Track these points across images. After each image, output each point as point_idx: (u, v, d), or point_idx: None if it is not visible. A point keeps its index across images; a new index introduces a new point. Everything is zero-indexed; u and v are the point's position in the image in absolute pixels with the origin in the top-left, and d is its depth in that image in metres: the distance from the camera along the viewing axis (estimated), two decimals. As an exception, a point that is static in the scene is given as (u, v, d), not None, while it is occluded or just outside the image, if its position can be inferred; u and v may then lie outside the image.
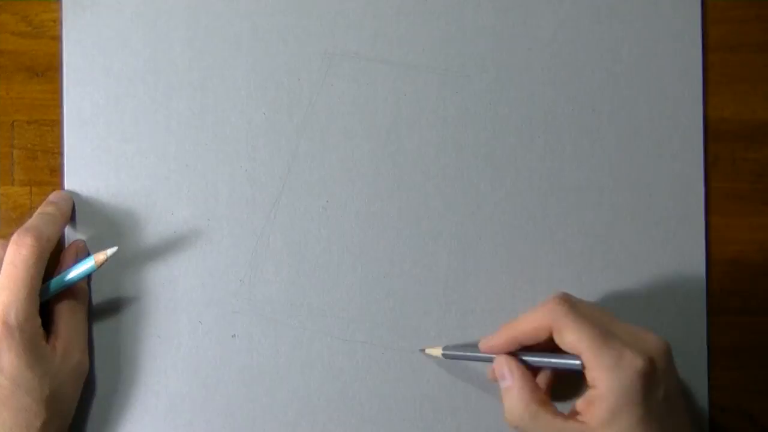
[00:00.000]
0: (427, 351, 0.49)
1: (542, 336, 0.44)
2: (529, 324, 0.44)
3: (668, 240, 0.50)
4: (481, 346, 0.46)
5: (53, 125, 0.50)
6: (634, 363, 0.41)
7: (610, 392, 0.41)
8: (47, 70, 0.50)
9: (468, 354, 0.47)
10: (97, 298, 0.48)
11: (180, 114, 0.49)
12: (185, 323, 0.49)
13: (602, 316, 0.44)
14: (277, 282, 0.49)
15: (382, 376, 0.49)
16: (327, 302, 0.49)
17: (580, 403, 0.43)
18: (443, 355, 0.48)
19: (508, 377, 0.45)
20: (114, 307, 0.48)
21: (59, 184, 0.49)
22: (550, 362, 0.44)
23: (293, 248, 0.49)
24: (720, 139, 0.50)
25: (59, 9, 0.50)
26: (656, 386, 0.42)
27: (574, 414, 0.44)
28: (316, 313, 0.49)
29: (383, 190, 0.49)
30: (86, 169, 0.49)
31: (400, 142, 0.50)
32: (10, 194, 0.49)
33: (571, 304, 0.43)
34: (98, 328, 0.48)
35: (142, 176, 0.49)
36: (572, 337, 0.42)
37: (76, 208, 0.49)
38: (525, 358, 0.45)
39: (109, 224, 0.49)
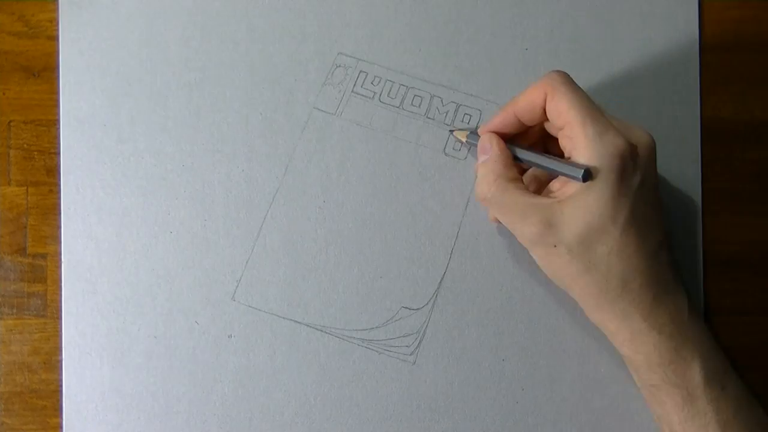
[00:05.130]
0: (456, 133, 0.49)
1: (538, 105, 0.43)
2: (527, 94, 0.44)
3: (665, 240, 0.50)
4: (482, 127, 0.46)
5: (50, 125, 0.49)
6: (616, 141, 0.41)
7: (586, 163, 0.41)
8: (44, 70, 0.50)
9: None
10: (93, 298, 0.48)
11: (177, 114, 0.49)
12: (182, 323, 0.48)
13: (596, 103, 0.43)
14: (274, 282, 0.49)
15: (378, 376, 0.49)
16: (323, 302, 0.49)
17: (555, 182, 0.43)
18: (467, 141, 0.48)
19: (488, 150, 0.45)
20: (110, 308, 0.48)
21: (56, 185, 0.49)
22: (544, 161, 0.44)
23: (290, 248, 0.49)
24: (717, 140, 0.50)
25: (56, 9, 0.50)
26: (633, 172, 0.42)
27: (547, 192, 0.44)
28: (313, 314, 0.49)
29: (380, 191, 0.49)
30: (83, 169, 0.49)
31: (397, 142, 0.50)
32: (7, 194, 0.49)
33: (568, 76, 0.43)
34: (95, 329, 0.48)
35: (139, 176, 0.49)
36: (564, 104, 0.42)
37: (72, 207, 0.49)
38: (518, 151, 0.45)
39: (105, 224, 0.49)
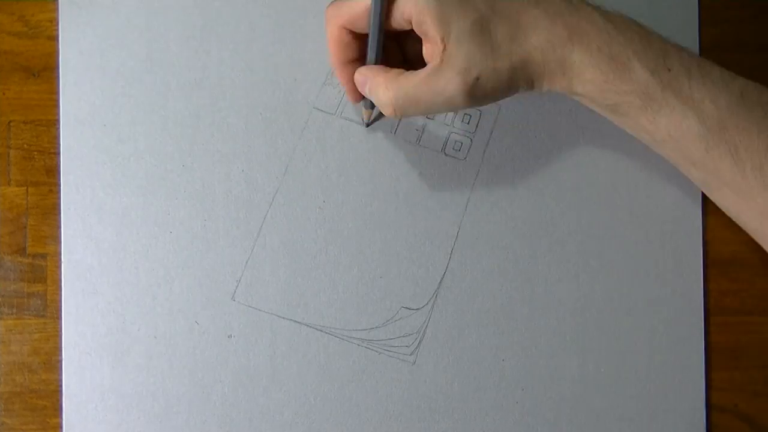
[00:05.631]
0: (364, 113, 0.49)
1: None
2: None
3: (666, 240, 0.50)
4: (335, 72, 0.47)
5: (50, 125, 0.49)
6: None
7: (426, 15, 0.41)
8: (44, 70, 0.50)
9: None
10: (93, 298, 0.48)
11: (177, 114, 0.49)
12: (182, 323, 0.48)
13: None
14: (274, 282, 0.49)
15: (378, 376, 0.49)
16: (323, 302, 0.49)
17: (412, 52, 0.44)
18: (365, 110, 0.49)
19: (365, 77, 0.45)
20: (110, 308, 0.48)
21: (56, 184, 0.49)
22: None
23: (290, 248, 0.49)
24: (717, 140, 0.50)
25: (56, 9, 0.50)
26: None
27: (417, 63, 0.44)
28: (313, 314, 0.49)
29: (380, 191, 0.49)
30: (83, 169, 0.49)
31: (397, 142, 0.50)
32: (7, 194, 0.49)
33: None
34: (95, 329, 0.48)
35: (139, 176, 0.49)
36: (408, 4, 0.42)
37: (72, 207, 0.49)
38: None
39: (105, 224, 0.49)
